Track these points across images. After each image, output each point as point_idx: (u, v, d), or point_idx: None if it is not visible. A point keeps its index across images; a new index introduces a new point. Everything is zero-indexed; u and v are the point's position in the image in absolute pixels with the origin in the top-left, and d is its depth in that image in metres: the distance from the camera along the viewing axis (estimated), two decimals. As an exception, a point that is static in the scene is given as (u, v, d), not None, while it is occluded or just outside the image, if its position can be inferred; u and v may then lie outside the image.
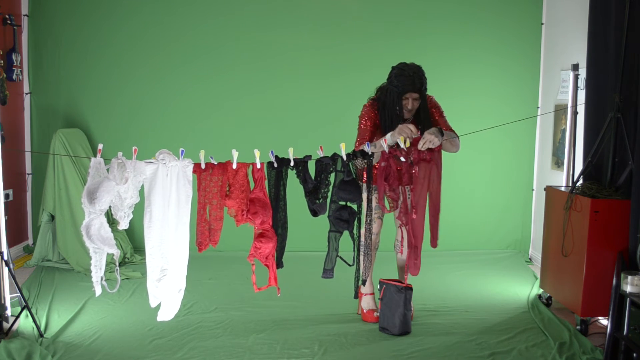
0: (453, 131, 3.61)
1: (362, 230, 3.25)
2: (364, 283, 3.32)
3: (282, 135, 5.32)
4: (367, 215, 3.24)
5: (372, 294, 3.92)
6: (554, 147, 5.18)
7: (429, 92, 3.72)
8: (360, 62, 5.46)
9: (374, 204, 3.35)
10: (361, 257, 3.35)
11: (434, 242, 3.39)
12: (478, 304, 4.21)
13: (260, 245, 2.93)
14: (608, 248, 3.57)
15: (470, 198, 5.61)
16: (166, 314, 2.97)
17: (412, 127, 3.24)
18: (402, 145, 3.14)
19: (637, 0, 3.53)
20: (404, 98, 3.50)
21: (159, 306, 2.97)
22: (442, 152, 3.33)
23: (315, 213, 3.03)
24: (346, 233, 3.13)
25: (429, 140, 3.21)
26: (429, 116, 3.62)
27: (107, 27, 5.38)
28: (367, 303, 3.91)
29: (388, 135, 3.29)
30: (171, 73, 5.45)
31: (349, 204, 3.10)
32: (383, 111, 3.59)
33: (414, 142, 3.26)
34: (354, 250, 3.19)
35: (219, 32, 5.42)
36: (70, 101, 5.46)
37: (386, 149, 3.14)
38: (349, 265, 3.20)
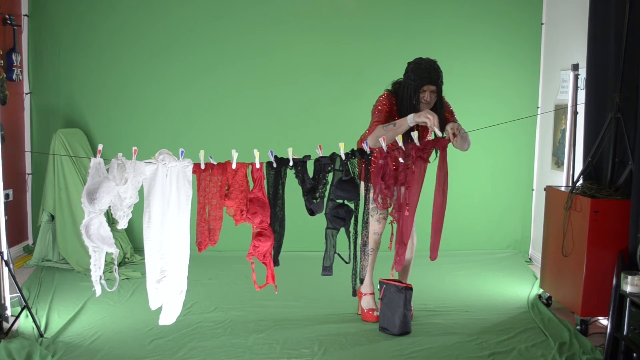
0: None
1: (365, 230, 3.27)
2: (361, 282, 3.32)
3: (282, 135, 5.33)
4: (364, 214, 3.25)
5: (372, 293, 3.92)
6: (554, 147, 5.18)
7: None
8: (360, 62, 5.46)
9: (370, 204, 3.36)
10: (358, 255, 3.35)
11: (434, 255, 3.38)
12: (478, 304, 4.21)
13: (258, 244, 2.94)
14: (608, 248, 3.57)
15: (470, 198, 5.61)
16: (168, 318, 2.95)
17: (435, 116, 3.33)
18: (415, 140, 3.14)
19: (637, 0, 3.53)
20: (421, 91, 3.54)
21: (160, 308, 2.97)
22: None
23: (312, 212, 3.04)
24: (343, 231, 3.13)
25: (457, 127, 3.38)
26: (444, 112, 3.65)
27: (107, 27, 5.39)
28: (367, 302, 3.91)
29: (411, 116, 3.38)
30: (171, 73, 5.45)
31: (346, 202, 3.10)
32: (400, 105, 3.62)
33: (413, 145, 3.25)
34: (349, 248, 3.20)
35: (218, 33, 5.42)
36: (70, 101, 5.46)
37: (384, 147, 3.14)
38: (346, 262, 3.20)
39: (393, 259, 3.37)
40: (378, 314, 3.81)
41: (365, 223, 3.25)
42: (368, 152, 3.10)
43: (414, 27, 5.47)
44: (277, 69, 5.47)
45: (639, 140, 3.43)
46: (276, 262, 3.09)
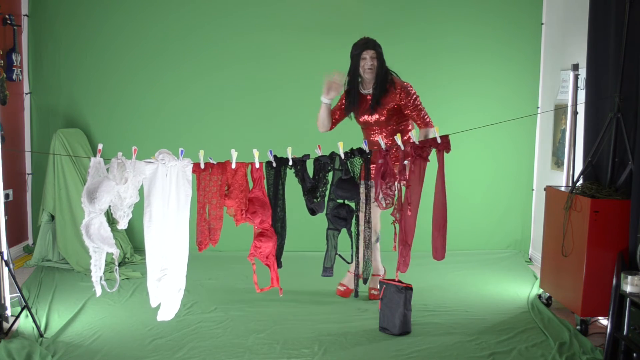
0: (428, 122, 3.95)
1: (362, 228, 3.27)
2: (365, 282, 3.33)
3: (281, 135, 5.32)
4: (363, 211, 3.26)
5: (378, 275, 4.22)
6: (554, 147, 5.18)
7: (418, 87, 4.00)
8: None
9: (372, 203, 3.35)
10: (360, 254, 3.33)
11: (438, 255, 3.35)
12: (478, 304, 4.20)
13: (260, 245, 2.94)
14: (608, 248, 3.57)
15: (470, 198, 5.60)
16: (166, 314, 2.97)
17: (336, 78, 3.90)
18: (413, 139, 3.17)
19: (637, 0, 3.53)
20: (362, 58, 3.94)
21: (159, 306, 2.98)
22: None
23: (313, 212, 3.04)
24: (344, 231, 3.13)
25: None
26: (386, 80, 3.96)
27: (107, 27, 5.39)
28: (373, 282, 4.20)
29: (322, 97, 3.94)
30: (171, 73, 5.45)
31: (346, 201, 3.10)
32: (351, 84, 4.04)
33: (410, 141, 3.25)
34: (351, 248, 3.19)
35: (218, 33, 5.42)
36: (70, 101, 5.46)
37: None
38: (348, 262, 3.19)
39: (397, 260, 3.36)
40: (375, 293, 4.12)
41: (367, 222, 3.25)
42: (367, 151, 3.11)
43: (413, 28, 5.46)
44: (276, 69, 5.47)
45: (639, 140, 3.43)
46: (278, 264, 3.08)
